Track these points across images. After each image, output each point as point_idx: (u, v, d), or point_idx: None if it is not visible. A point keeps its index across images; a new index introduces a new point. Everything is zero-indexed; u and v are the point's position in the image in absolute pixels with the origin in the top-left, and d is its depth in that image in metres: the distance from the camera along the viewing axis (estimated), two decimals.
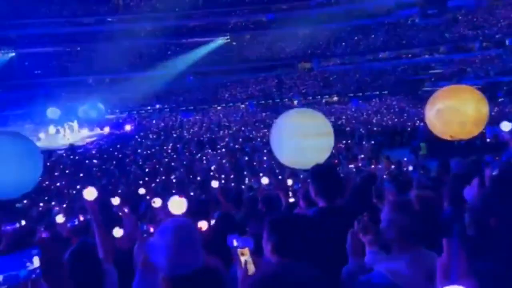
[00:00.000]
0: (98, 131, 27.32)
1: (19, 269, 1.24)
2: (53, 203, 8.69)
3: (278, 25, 42.81)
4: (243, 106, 38.65)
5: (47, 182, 11.50)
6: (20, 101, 34.00)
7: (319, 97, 39.27)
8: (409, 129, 18.21)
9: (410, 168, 9.15)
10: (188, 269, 1.59)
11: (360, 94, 37.92)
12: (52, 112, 26.38)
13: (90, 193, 2.71)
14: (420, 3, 40.11)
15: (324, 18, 42.87)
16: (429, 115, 4.89)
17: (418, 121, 20.43)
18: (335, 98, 39.21)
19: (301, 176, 8.18)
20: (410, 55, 41.22)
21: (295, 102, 38.26)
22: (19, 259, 1.25)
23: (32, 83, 37.07)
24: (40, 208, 8.13)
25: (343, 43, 43.69)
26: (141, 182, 10.97)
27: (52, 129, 25.06)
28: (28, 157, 3.25)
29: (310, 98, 39.03)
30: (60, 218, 5.10)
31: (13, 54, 40.02)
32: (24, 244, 1.97)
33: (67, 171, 13.36)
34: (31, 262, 1.26)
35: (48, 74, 38.37)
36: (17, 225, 3.52)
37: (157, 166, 13.68)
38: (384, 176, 7.38)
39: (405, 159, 11.56)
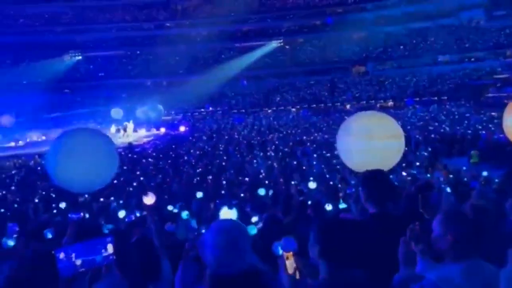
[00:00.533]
0: (154, 131, 28.53)
1: (96, 255, 1.41)
2: (111, 198, 9.18)
3: (333, 29, 42.35)
4: (294, 109, 38.55)
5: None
6: (85, 101, 36.23)
7: (373, 101, 38.24)
8: (469, 137, 17.21)
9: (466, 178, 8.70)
10: (233, 270, 1.63)
11: (417, 99, 36.43)
12: (116, 112, 27.81)
13: (149, 200, 2.96)
14: (486, 4, 37.89)
15: (380, 21, 41.81)
16: (508, 123, 4.65)
17: (480, 129, 19.31)
18: (390, 103, 37.98)
19: (352, 182, 8.04)
20: (472, 59, 39.00)
21: (348, 106, 37.55)
22: (96, 246, 1.42)
23: (95, 85, 39.43)
24: (100, 203, 8.63)
25: (401, 46, 42.29)
26: (194, 181, 11.32)
27: (113, 128, 26.52)
28: (107, 154, 3.37)
29: (364, 102, 38.11)
30: (121, 213, 5.52)
31: (80, 57, 42.90)
32: (89, 234, 2.15)
33: (125, 168, 14.04)
34: (106, 249, 1.43)
35: (110, 77, 40.63)
36: (81, 215, 3.76)
37: (209, 167, 14.01)
38: (442, 186, 7.07)
39: (464, 168, 10.96)
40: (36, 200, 9.39)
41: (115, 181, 11.79)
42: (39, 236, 3.50)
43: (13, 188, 12.36)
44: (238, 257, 1.64)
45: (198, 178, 11.62)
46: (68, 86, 40.64)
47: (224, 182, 10.87)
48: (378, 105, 37.53)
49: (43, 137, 28.06)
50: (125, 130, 26.12)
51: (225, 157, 16.24)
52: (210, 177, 11.55)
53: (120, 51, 42.93)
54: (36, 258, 1.48)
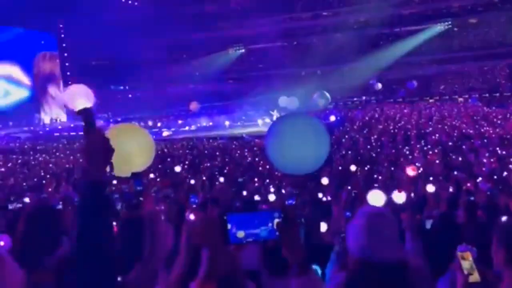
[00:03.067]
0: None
1: (260, 228, 1.40)
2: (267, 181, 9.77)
3: None
4: (461, 99, 34.37)
5: (261, 162, 12.98)
6: (247, 91, 39.13)
7: None
8: None
9: None
10: (379, 258, 1.53)
11: None
12: (286, 101, 28.73)
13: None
14: None
15: None
16: None
17: None
18: None
19: None
20: None
21: None
22: (262, 219, 1.41)
23: (256, 76, 42.22)
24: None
25: None
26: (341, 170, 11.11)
27: (268, 118, 28.14)
28: (323, 136, 3.59)
29: None
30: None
31: (243, 50, 46.46)
32: None
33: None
34: (272, 224, 1.41)
35: (269, 67, 42.88)
36: None
37: (359, 157, 13.57)
38: None
39: None
40: (204, 178, 10.57)
41: (267, 166, 12.45)
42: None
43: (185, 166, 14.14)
44: (385, 246, 1.54)
45: (348, 170, 11.33)
46: (232, 77, 44.50)
47: (376, 175, 10.35)
48: None
49: (211, 123, 31.77)
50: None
51: (378, 150, 15.49)
52: (359, 168, 11.14)
53: (279, 43, 44.77)
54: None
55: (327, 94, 27.55)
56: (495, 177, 8.74)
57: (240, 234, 1.37)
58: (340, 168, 11.75)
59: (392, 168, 11.26)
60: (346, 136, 19.60)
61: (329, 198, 6.36)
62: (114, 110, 38.13)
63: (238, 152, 16.61)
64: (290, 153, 3.38)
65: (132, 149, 3.35)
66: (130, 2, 44.26)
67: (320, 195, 7.09)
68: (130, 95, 44.00)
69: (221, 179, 10.53)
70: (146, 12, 39.22)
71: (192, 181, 9.91)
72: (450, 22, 39.76)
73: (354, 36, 41.76)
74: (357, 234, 1.57)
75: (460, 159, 12.29)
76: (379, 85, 32.46)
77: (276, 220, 1.38)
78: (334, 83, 36.52)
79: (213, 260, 1.41)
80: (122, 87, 45.55)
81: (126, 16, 36.68)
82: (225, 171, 12.32)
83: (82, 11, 31.50)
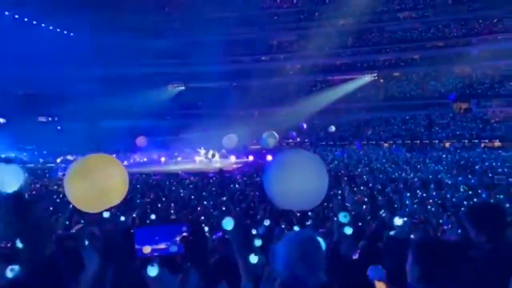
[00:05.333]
0: (243, 159, 29.41)
1: (166, 242, 1.35)
2: (201, 218, 9.53)
3: (432, 62, 40.32)
4: (386, 145, 36.92)
5: (196, 202, 12.72)
6: (186, 127, 38.75)
7: (477, 140, 35.03)
8: None
9: None
10: (308, 284, 1.54)
11: None
12: (229, 139, 28.66)
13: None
14: None
15: (487, 55, 38.73)
16: None
17: None
18: (497, 143, 34.41)
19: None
20: None
21: (447, 144, 34.88)
22: (169, 233, 1.36)
23: (196, 113, 42.25)
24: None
25: (510, 83, 38.53)
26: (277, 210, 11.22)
27: (208, 154, 28.01)
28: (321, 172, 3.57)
29: (466, 141, 35.10)
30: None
31: (183, 88, 46.64)
32: None
33: (214, 192, 14.51)
34: (179, 237, 1.36)
35: (207, 106, 43.21)
36: None
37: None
38: None
39: None
40: (134, 215, 10.09)
41: (206, 204, 12.25)
42: None
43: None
44: (313, 271, 1.56)
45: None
46: (170, 113, 44.12)
47: (309, 213, 10.57)
48: (482, 145, 34.28)
49: (145, 159, 30.85)
50: (213, 156, 27.46)
51: None
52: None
53: (219, 83, 45.57)
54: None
55: (276, 134, 28.28)
56: (416, 216, 9.36)
57: (146, 249, 1.34)
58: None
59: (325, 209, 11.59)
60: None
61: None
62: (41, 142, 35.73)
63: (173, 188, 16.22)
64: (294, 188, 3.31)
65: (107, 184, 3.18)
66: (65, 32, 42.99)
67: (254, 231, 7.09)
68: (59, 127, 41.62)
69: (153, 216, 10.13)
70: (83, 43, 38.20)
71: (122, 218, 9.45)
72: (376, 74, 43.42)
73: (292, 81, 43.95)
74: (285, 260, 1.58)
75: (386, 198, 13.02)
76: (333, 128, 34.07)
77: (183, 234, 1.37)
78: (270, 125, 37.60)
79: (118, 274, 1.35)
80: (50, 119, 43.17)
81: (61, 46, 35.44)
82: (158, 207, 11.91)
83: (13, 40, 29.97)
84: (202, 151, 29.19)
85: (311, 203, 3.52)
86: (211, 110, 41.82)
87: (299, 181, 3.29)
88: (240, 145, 30.89)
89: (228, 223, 2.45)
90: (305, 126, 36.10)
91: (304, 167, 3.40)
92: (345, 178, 18.68)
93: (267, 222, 7.61)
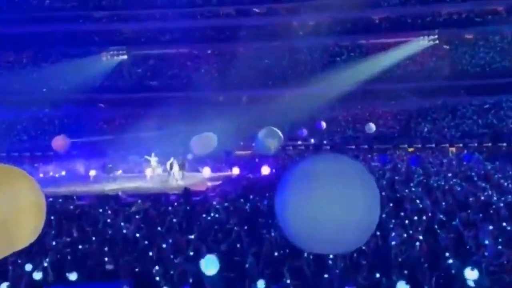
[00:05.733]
0: (224, 172, 29.30)
1: None
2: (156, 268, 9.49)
3: None
4: (453, 149, 37.29)
5: (146, 242, 12.60)
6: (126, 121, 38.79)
7: None
8: None
9: None
10: None
11: None
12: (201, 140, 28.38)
13: None
14: None
15: None
16: None
17: None
18: None
19: None
20: None
21: None
22: None
23: (146, 98, 42.26)
24: None
25: None
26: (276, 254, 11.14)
27: (166, 164, 27.85)
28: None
29: None
30: None
31: (125, 57, 46.66)
32: None
33: (176, 226, 14.38)
34: None
35: (165, 86, 42.96)
36: None
37: None
38: None
39: None
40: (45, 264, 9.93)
41: (163, 245, 12.14)
42: None
43: None
44: None
45: (286, 251, 11.38)
46: (106, 97, 44.12)
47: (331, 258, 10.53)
48: None
49: (63, 173, 30.86)
50: (171, 167, 27.19)
51: None
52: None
53: (185, 48, 45.54)
54: None
55: (278, 132, 28.17)
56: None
57: None
58: None
59: None
60: None
61: None
62: None
63: (109, 221, 16.11)
64: (332, 222, 3.42)
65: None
66: None
67: None
68: None
69: (74, 273, 10.01)
70: None
71: (28, 267, 9.40)
72: (436, 36, 43.70)
73: (298, 47, 44.03)
74: None
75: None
76: (372, 127, 34.66)
77: None
78: (267, 116, 37.57)
79: None
80: None
81: None
82: (84, 251, 11.80)
83: None
84: (154, 160, 29.03)
85: (353, 243, 3.74)
86: (171, 93, 41.69)
87: (342, 211, 3.40)
88: (219, 149, 30.89)
89: (209, 264, 2.37)
90: (324, 124, 36.16)
91: (349, 189, 3.47)
92: (390, 204, 18.67)
93: (261, 284, 7.53)
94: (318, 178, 3.53)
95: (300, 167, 3.90)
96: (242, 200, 19.11)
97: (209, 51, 46.72)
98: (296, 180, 3.65)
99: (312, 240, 3.57)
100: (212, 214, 16.18)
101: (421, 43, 44.07)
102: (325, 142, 40.00)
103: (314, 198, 3.40)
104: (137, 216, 16.46)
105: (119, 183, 27.56)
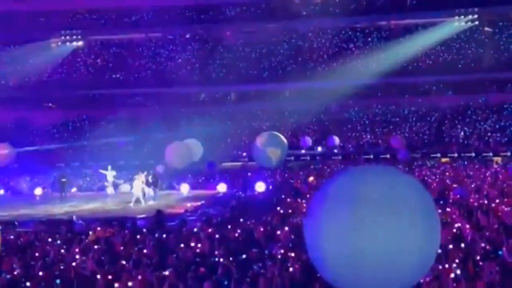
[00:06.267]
0: (206, 190, 29.23)
1: None
2: None
3: None
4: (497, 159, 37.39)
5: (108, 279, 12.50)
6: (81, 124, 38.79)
7: None
8: None
9: None
10: None
11: None
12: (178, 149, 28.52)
13: None
14: None
15: None
16: None
17: None
18: None
19: None
20: None
21: None
22: None
23: (106, 96, 42.33)
24: None
25: None
26: None
27: (111, 178, 27.95)
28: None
29: None
30: None
31: (80, 43, 46.76)
32: None
33: (148, 261, 14.28)
34: None
35: (131, 81, 43.09)
36: None
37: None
38: None
39: None
40: None
41: (129, 284, 12.06)
42: None
43: None
44: None
45: None
46: (56, 96, 44.06)
47: None
48: None
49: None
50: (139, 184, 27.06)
51: None
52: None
53: (156, 32, 45.57)
54: None
55: (283, 139, 28.14)
56: None
57: None
58: None
59: None
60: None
61: None
62: None
63: (60, 257, 16.04)
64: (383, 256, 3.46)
65: None
66: None
67: None
68: None
69: None
70: None
71: None
72: (477, 15, 43.96)
73: (300, 29, 44.15)
74: None
75: None
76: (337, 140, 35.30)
77: None
78: (262, 117, 37.60)
79: None
80: None
81: None
82: None
83: None
84: (111, 175, 28.94)
85: (408, 283, 3.84)
86: (139, 89, 41.78)
87: (398, 242, 3.44)
88: (201, 161, 30.83)
89: None
90: (337, 140, 36.30)
91: (407, 213, 3.51)
92: None
93: None
94: (365, 201, 3.58)
95: (337, 184, 3.93)
96: (230, 226, 19.03)
97: (187, 36, 46.80)
98: (332, 203, 3.67)
99: (358, 280, 3.60)
100: (192, 244, 16.09)
101: (456, 24, 44.21)
102: (335, 151, 39.90)
103: (360, 226, 3.45)
104: (96, 247, 16.37)
105: (73, 204, 27.43)
